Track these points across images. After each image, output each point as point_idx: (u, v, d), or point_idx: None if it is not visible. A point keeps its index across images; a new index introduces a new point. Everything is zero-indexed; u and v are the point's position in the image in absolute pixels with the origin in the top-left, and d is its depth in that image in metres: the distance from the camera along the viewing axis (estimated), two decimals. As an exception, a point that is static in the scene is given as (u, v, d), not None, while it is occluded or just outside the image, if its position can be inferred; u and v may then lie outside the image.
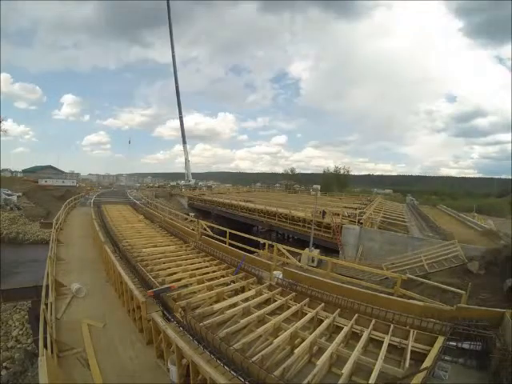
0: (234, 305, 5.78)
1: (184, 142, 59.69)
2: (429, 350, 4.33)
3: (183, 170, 61.91)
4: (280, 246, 9.14)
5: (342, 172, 68.28)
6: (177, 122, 62.41)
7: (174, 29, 59.42)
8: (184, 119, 62.65)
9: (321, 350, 4.47)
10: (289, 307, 5.88)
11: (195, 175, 66.30)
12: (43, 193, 38.94)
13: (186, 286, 6.77)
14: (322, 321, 5.30)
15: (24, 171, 68.72)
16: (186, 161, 60.19)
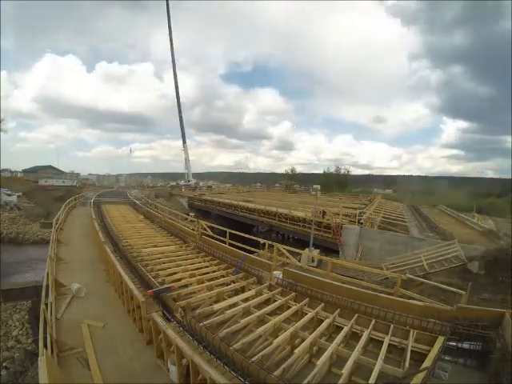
0: (234, 305, 5.78)
1: (184, 142, 59.49)
2: (429, 350, 4.33)
3: (183, 170, 61.75)
4: (280, 246, 9.12)
5: (342, 172, 68.48)
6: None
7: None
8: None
9: (321, 350, 4.47)
10: (289, 307, 5.89)
11: (195, 175, 66.15)
12: (43, 193, 38.98)
13: (185, 286, 6.77)
14: (321, 321, 5.30)
15: (24, 171, 68.67)
16: (186, 160, 59.89)
